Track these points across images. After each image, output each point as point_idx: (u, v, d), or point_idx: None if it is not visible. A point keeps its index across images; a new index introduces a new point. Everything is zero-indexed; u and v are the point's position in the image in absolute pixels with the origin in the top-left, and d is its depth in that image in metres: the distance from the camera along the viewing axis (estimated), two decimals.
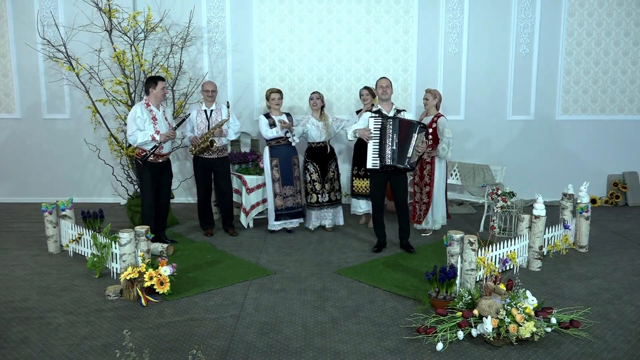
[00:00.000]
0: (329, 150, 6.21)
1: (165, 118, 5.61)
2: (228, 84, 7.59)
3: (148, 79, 5.60)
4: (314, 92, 6.19)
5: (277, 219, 6.15)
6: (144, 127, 5.40)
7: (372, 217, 5.66)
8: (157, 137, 5.40)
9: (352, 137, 5.52)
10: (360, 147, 6.34)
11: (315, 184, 6.16)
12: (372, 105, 6.10)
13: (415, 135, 5.14)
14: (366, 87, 6.36)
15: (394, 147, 5.17)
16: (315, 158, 6.17)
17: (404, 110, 5.51)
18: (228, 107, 5.99)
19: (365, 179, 6.35)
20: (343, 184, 7.00)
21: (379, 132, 5.22)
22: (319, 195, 6.17)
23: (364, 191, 6.40)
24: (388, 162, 5.19)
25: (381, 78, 5.57)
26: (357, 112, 6.45)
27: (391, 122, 5.18)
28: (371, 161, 5.27)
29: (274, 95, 6.05)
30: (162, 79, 5.56)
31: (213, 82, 6.24)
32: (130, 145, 6.20)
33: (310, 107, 6.19)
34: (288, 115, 6.17)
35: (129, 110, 6.01)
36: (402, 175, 5.44)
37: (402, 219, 5.55)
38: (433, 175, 5.97)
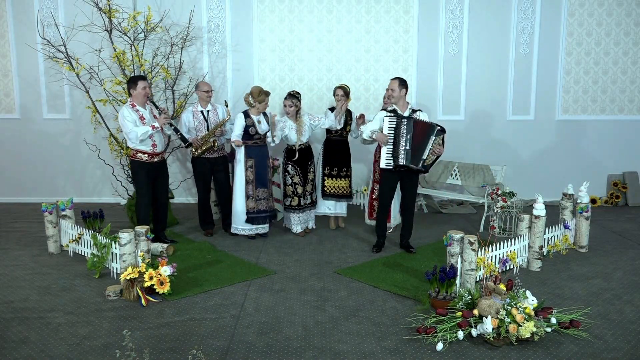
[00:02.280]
0: (309, 149, 6.09)
1: (154, 116, 5.50)
2: (228, 84, 7.59)
3: (128, 81, 5.53)
4: (285, 99, 5.93)
5: (248, 221, 5.89)
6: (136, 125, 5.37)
7: (377, 216, 5.63)
8: (157, 125, 5.35)
9: (367, 137, 5.42)
10: (329, 146, 6.31)
11: (297, 186, 6.00)
12: (345, 103, 6.03)
13: (432, 138, 5.10)
14: (341, 87, 6.19)
15: (407, 148, 5.14)
16: (296, 160, 6.00)
17: (419, 110, 5.40)
18: (227, 105, 5.98)
19: (337, 179, 6.27)
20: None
21: (393, 131, 5.19)
22: (301, 198, 6.03)
23: (335, 191, 6.30)
24: (401, 162, 5.16)
25: (391, 81, 5.40)
26: (330, 109, 6.33)
27: (405, 122, 5.15)
28: (385, 161, 5.24)
29: (265, 98, 5.79)
30: (142, 78, 5.47)
31: (208, 83, 6.23)
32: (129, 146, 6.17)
33: (285, 113, 5.99)
34: (265, 115, 5.91)
35: None
36: (415, 177, 5.42)
37: (406, 219, 5.56)
38: None
